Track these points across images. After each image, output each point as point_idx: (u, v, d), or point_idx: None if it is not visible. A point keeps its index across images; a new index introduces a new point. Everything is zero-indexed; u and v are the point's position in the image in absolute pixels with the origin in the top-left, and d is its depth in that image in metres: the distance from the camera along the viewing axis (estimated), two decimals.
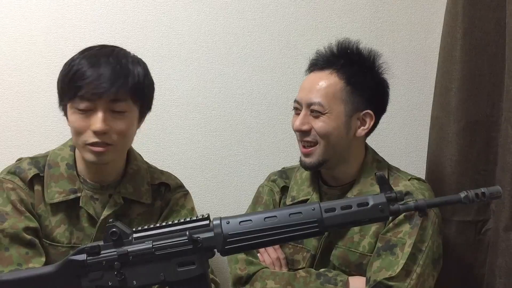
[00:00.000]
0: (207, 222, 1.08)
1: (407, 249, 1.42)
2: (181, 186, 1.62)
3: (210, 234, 1.06)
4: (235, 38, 2.00)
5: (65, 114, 1.42)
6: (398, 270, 1.40)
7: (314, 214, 1.07)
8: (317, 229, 1.07)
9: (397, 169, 1.63)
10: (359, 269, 1.50)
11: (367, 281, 1.45)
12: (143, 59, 1.47)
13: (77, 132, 1.38)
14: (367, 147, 1.64)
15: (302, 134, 1.54)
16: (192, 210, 1.61)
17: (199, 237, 1.06)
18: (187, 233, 1.05)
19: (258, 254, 1.61)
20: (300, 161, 1.59)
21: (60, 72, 1.40)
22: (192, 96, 1.99)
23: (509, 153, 1.64)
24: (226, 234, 1.06)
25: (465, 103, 1.73)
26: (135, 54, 1.47)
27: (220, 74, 2.00)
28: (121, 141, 1.40)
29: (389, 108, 2.05)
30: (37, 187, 1.45)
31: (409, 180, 1.56)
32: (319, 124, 1.51)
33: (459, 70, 1.73)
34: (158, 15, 1.95)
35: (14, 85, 1.90)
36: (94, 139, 1.36)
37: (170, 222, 1.09)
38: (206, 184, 2.02)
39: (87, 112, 1.35)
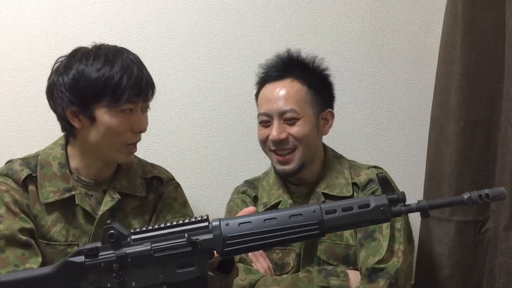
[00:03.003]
0: (206, 223, 1.07)
1: (386, 231, 1.48)
2: (172, 179, 1.64)
3: (209, 236, 1.06)
4: (235, 38, 2.00)
5: (77, 118, 1.41)
6: (384, 253, 1.45)
7: (315, 216, 1.06)
8: (318, 231, 1.06)
9: (355, 162, 1.69)
10: (346, 261, 1.54)
11: (360, 273, 1.49)
12: (143, 59, 1.47)
13: (118, 134, 1.41)
14: (324, 145, 1.70)
15: (280, 143, 1.57)
16: (185, 203, 1.61)
17: (198, 239, 1.05)
18: (186, 235, 1.05)
19: (252, 264, 1.61)
20: (277, 171, 1.62)
21: (82, 78, 1.37)
22: (192, 96, 1.99)
23: (509, 153, 1.64)
24: (225, 236, 1.05)
25: (464, 103, 1.73)
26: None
27: (220, 74, 2.00)
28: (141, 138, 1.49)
29: (389, 108, 2.06)
30: (31, 188, 1.45)
31: (368, 168, 1.64)
32: (296, 130, 1.56)
33: (459, 70, 1.73)
34: (158, 15, 1.95)
35: (14, 85, 1.90)
36: (135, 139, 1.44)
37: (168, 224, 1.08)
38: (206, 184, 2.03)
39: (129, 113, 1.41)
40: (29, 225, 1.40)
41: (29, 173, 1.44)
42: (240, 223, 1.06)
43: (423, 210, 1.07)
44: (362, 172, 1.62)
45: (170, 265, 1.06)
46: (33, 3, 1.89)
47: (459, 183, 1.75)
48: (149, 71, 1.43)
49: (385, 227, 1.48)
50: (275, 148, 1.58)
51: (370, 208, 1.06)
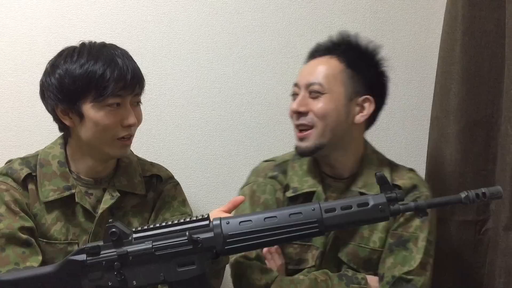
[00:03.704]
0: (207, 222, 1.08)
1: (422, 243, 1.44)
2: (171, 177, 1.64)
3: (210, 234, 1.07)
4: (235, 38, 2.00)
5: (66, 115, 1.42)
6: (415, 265, 1.42)
7: (314, 214, 1.07)
8: (317, 229, 1.07)
9: (393, 161, 1.63)
10: (368, 266, 1.50)
11: (380, 278, 1.46)
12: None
13: (107, 129, 1.40)
14: (365, 141, 1.62)
15: (299, 116, 1.51)
16: (184, 201, 1.61)
17: (199, 237, 1.06)
18: (187, 233, 1.05)
19: (266, 261, 1.58)
20: (296, 147, 1.56)
21: (66, 75, 1.39)
22: (192, 96, 1.99)
23: (509, 153, 1.64)
24: (226, 234, 1.06)
25: (465, 103, 1.73)
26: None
27: (220, 74, 2.00)
28: (135, 131, 1.48)
29: (389, 108, 2.05)
30: (30, 186, 1.45)
31: (407, 171, 1.58)
32: (318, 105, 1.49)
33: (459, 70, 1.73)
34: (158, 15, 1.96)
35: (14, 85, 1.90)
36: (125, 133, 1.43)
37: (170, 222, 1.09)
38: (206, 184, 2.02)
39: (116, 108, 1.40)
40: (29, 223, 1.40)
41: (28, 172, 1.45)
42: (240, 222, 1.07)
43: (421, 209, 1.08)
44: (405, 175, 1.55)
45: (171, 264, 1.07)
46: (33, 3, 1.89)
47: (459, 183, 1.75)
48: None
49: (421, 239, 1.44)
50: (296, 122, 1.53)
51: (369, 206, 1.07)
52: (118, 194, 1.49)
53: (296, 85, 1.56)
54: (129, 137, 1.45)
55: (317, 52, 1.60)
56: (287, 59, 2.01)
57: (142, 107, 1.51)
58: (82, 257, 1.08)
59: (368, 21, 2.04)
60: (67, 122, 1.43)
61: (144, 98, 1.51)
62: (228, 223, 1.07)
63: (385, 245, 1.49)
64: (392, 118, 2.06)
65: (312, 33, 2.02)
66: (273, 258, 1.57)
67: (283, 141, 2.03)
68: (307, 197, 1.54)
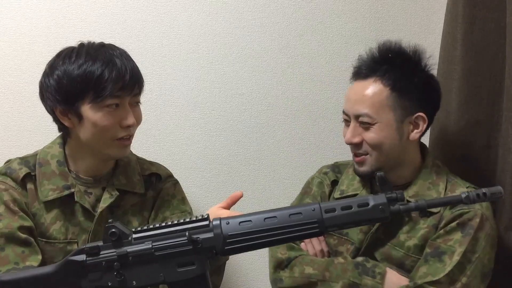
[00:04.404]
0: (206, 222, 1.08)
1: (456, 258, 1.40)
2: (170, 175, 1.64)
3: (210, 234, 1.06)
4: (235, 38, 2.00)
5: (65, 116, 1.42)
6: (442, 276, 1.39)
7: (314, 215, 1.07)
8: (317, 230, 1.07)
9: (457, 177, 1.58)
10: (400, 268, 1.49)
11: (409, 283, 1.43)
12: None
13: (106, 130, 1.40)
14: (425, 149, 1.61)
15: (354, 146, 1.53)
16: (183, 199, 1.62)
17: (198, 237, 1.06)
18: (187, 233, 1.05)
19: (302, 244, 1.59)
20: (354, 168, 1.59)
21: (65, 76, 1.39)
22: (192, 96, 1.99)
23: (510, 153, 1.63)
24: (226, 234, 1.06)
25: (465, 103, 1.73)
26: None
27: (220, 74, 2.00)
28: (135, 131, 1.48)
29: None
30: (29, 186, 1.45)
31: (467, 188, 1.53)
32: (370, 136, 1.49)
33: (459, 70, 1.73)
34: (158, 15, 1.95)
35: (14, 85, 1.90)
36: (124, 133, 1.43)
37: (169, 223, 1.09)
38: (206, 184, 2.02)
39: (115, 109, 1.40)
40: (28, 223, 1.41)
41: (27, 172, 1.45)
42: (240, 222, 1.07)
43: (422, 209, 1.08)
44: (458, 189, 1.51)
45: (171, 264, 1.06)
46: (33, 3, 1.89)
47: None
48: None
49: (457, 254, 1.40)
50: (351, 149, 1.55)
51: (369, 206, 1.07)
52: (117, 193, 1.49)
53: (344, 113, 1.55)
54: (129, 138, 1.45)
55: (360, 73, 1.55)
56: (287, 59, 2.01)
57: (142, 107, 1.51)
58: (82, 257, 1.08)
59: (368, 21, 2.04)
60: (66, 123, 1.43)
61: (144, 98, 1.51)
62: (228, 223, 1.07)
63: (423, 253, 1.47)
64: None
65: (312, 33, 2.02)
66: (311, 242, 1.58)
67: (283, 141, 2.04)
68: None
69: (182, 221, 1.09)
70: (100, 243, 1.08)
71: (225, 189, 2.02)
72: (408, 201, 1.42)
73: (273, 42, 2.01)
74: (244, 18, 1.99)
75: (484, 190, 1.05)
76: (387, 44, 1.56)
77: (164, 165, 1.67)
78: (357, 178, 1.61)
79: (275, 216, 1.07)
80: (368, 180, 1.61)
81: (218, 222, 1.07)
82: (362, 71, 1.54)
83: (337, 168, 1.71)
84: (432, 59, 1.58)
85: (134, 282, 1.07)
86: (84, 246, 1.08)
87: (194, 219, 1.09)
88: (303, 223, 1.07)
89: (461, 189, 1.51)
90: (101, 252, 1.07)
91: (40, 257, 1.39)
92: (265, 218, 1.07)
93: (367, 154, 1.51)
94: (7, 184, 1.43)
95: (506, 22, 1.66)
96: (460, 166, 1.74)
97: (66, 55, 1.42)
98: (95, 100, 1.37)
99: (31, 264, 1.36)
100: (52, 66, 1.43)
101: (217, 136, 2.02)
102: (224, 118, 2.02)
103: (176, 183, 1.63)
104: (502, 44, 1.68)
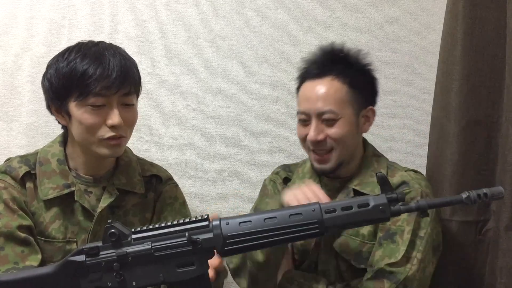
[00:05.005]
0: (206, 223, 1.08)
1: (407, 236, 1.45)
2: (170, 178, 1.64)
3: (210, 235, 1.06)
4: (235, 38, 1.99)
5: (59, 114, 1.43)
6: (399, 257, 1.42)
7: (315, 215, 1.07)
8: (318, 230, 1.07)
9: (395, 163, 1.65)
10: (359, 258, 1.52)
11: (368, 270, 1.47)
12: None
13: (91, 129, 1.39)
14: (365, 142, 1.67)
15: (318, 144, 1.54)
16: (184, 203, 1.62)
17: (198, 238, 1.06)
18: (187, 234, 1.05)
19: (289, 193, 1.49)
20: (314, 168, 1.61)
21: (58, 68, 1.39)
22: (192, 96, 1.99)
23: (510, 153, 1.63)
24: (225, 235, 1.06)
25: (465, 103, 1.73)
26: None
27: (220, 74, 2.00)
28: (130, 132, 1.46)
29: (389, 108, 2.06)
30: (29, 185, 1.45)
31: (405, 171, 1.59)
32: (334, 131, 1.53)
33: (460, 70, 1.73)
34: (158, 15, 1.95)
35: (14, 85, 1.90)
36: (111, 133, 1.40)
37: (169, 223, 1.09)
38: (206, 184, 2.02)
39: (100, 108, 1.38)
40: (27, 222, 1.41)
41: (27, 170, 1.45)
42: (240, 222, 1.07)
43: (422, 210, 1.08)
44: (397, 173, 1.58)
45: (170, 264, 1.06)
46: (33, 3, 1.89)
47: (460, 183, 1.74)
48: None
49: (407, 232, 1.45)
50: (313, 147, 1.56)
51: (369, 207, 1.07)
52: (117, 193, 1.49)
53: (303, 113, 1.58)
54: (117, 138, 1.41)
55: (311, 73, 1.59)
56: (287, 59, 2.01)
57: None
58: (81, 258, 1.08)
59: (368, 21, 2.03)
60: (60, 120, 1.45)
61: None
62: (227, 223, 1.07)
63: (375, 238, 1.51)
64: (393, 118, 2.06)
65: (312, 33, 2.02)
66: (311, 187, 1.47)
67: (283, 141, 2.04)
68: None
69: (181, 221, 1.09)
70: (100, 244, 1.08)
71: (225, 189, 2.02)
72: (354, 190, 1.53)
73: (273, 42, 2.01)
74: (244, 18, 1.99)
75: (485, 190, 1.06)
76: (333, 45, 1.62)
77: (164, 166, 1.66)
78: (307, 175, 1.66)
79: (275, 217, 1.07)
80: (318, 176, 1.65)
81: (218, 222, 1.07)
82: (314, 72, 1.58)
83: (287, 168, 1.76)
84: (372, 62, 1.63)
85: (133, 282, 1.07)
86: (83, 247, 1.08)
87: (194, 219, 1.09)
88: (303, 223, 1.07)
89: (400, 172, 1.58)
90: (101, 253, 1.07)
91: (40, 256, 1.39)
92: (265, 219, 1.07)
93: (331, 150, 1.54)
94: (6, 182, 1.43)
95: (506, 22, 1.66)
96: (460, 166, 1.74)
97: (60, 53, 1.43)
98: (79, 97, 1.36)
99: (31, 263, 1.36)
100: (48, 66, 1.44)
101: (217, 136, 2.02)
102: (224, 118, 2.02)
103: (176, 185, 1.63)
104: (503, 44, 1.68)
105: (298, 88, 1.64)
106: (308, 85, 1.59)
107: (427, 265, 1.46)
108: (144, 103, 1.92)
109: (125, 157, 1.55)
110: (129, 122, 1.44)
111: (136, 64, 1.47)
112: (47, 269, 1.10)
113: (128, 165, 1.55)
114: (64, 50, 1.44)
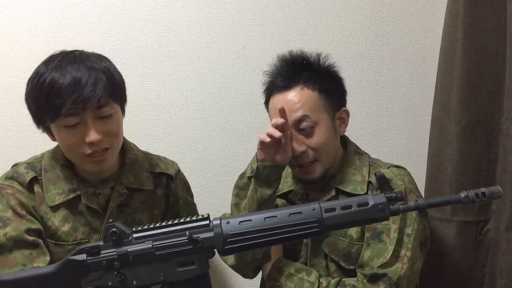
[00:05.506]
0: (207, 222, 1.08)
1: (393, 234, 1.44)
2: (178, 170, 1.66)
3: (210, 234, 1.07)
4: (235, 38, 2.00)
5: (47, 132, 1.42)
6: (388, 257, 1.41)
7: (314, 214, 1.07)
8: (317, 229, 1.07)
9: (378, 160, 1.64)
10: (348, 259, 1.51)
11: (358, 271, 1.46)
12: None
13: (71, 148, 1.37)
14: (346, 140, 1.65)
15: (299, 157, 1.51)
16: (188, 190, 1.68)
17: (199, 237, 1.06)
18: (187, 233, 1.05)
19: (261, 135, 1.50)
20: (300, 179, 1.59)
21: (30, 94, 1.37)
22: (192, 96, 1.99)
23: (510, 152, 1.64)
24: (226, 234, 1.06)
25: (465, 103, 1.73)
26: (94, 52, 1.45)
27: (220, 74, 2.00)
28: (116, 141, 1.42)
29: (390, 108, 2.06)
30: (36, 189, 1.45)
31: (388, 168, 1.58)
32: (314, 140, 1.50)
33: (460, 70, 1.73)
34: (158, 15, 1.95)
35: (14, 85, 1.90)
36: (91, 150, 1.36)
37: (170, 222, 1.09)
38: (206, 184, 2.02)
39: (75, 126, 1.34)
40: (36, 225, 1.41)
41: (34, 176, 1.45)
42: (240, 221, 1.07)
43: (421, 209, 1.08)
44: (380, 170, 1.56)
45: (171, 263, 1.07)
46: (33, 3, 1.89)
47: (460, 183, 1.74)
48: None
49: (393, 230, 1.44)
50: (296, 162, 1.53)
51: (368, 206, 1.08)
52: (127, 192, 1.49)
53: None
54: (102, 153, 1.38)
55: (277, 85, 1.56)
56: None
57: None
58: (82, 257, 1.08)
59: (368, 21, 2.04)
60: (50, 137, 1.44)
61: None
62: (228, 222, 1.07)
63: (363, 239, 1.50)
64: (393, 118, 2.06)
65: (312, 33, 2.02)
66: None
67: None
68: (286, 195, 1.63)
69: (182, 220, 1.09)
70: (101, 243, 1.09)
71: (225, 189, 2.02)
72: (337, 189, 1.52)
73: (273, 42, 2.01)
74: (244, 18, 1.99)
75: (483, 189, 1.06)
76: (294, 54, 1.59)
77: None
78: (290, 175, 1.64)
79: (275, 216, 1.07)
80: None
81: (218, 221, 1.07)
82: (280, 83, 1.55)
83: None
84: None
85: (134, 281, 1.07)
86: (84, 246, 1.08)
87: (195, 218, 1.09)
88: (303, 222, 1.07)
89: (383, 170, 1.56)
90: (102, 252, 1.08)
91: (48, 258, 1.39)
92: (265, 218, 1.07)
93: (314, 160, 1.52)
94: (14, 188, 1.43)
95: (506, 22, 1.66)
96: (460, 165, 1.74)
97: (30, 78, 1.39)
98: (52, 120, 1.34)
99: (39, 265, 1.35)
100: (26, 91, 1.40)
101: (217, 136, 2.02)
102: (224, 118, 2.02)
103: (183, 176, 1.66)
104: (503, 44, 1.68)
105: (266, 102, 1.61)
106: (278, 98, 1.54)
107: (415, 261, 1.46)
108: (144, 103, 1.93)
109: (132, 155, 1.55)
110: (112, 133, 1.39)
111: (111, 68, 1.41)
112: (48, 268, 1.11)
113: (134, 163, 1.54)
114: (33, 73, 1.39)
